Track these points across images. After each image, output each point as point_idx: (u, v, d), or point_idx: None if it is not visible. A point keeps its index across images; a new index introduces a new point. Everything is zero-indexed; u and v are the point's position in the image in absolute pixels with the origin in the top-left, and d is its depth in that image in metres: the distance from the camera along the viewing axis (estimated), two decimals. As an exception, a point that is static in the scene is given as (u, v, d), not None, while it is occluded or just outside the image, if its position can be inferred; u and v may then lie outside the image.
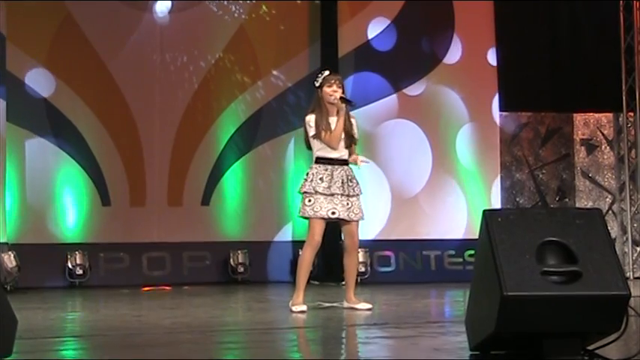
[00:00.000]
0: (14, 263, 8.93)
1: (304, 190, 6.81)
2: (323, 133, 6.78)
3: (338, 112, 6.83)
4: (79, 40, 9.62)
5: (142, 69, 9.83)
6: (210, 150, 9.96)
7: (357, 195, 6.87)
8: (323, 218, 6.75)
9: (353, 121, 6.97)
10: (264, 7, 10.16)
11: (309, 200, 6.77)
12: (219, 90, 10.02)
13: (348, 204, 6.81)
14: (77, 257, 9.40)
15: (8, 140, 9.24)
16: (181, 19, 9.95)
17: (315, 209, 6.74)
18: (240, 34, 10.08)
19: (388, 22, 10.28)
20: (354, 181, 6.89)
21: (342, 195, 6.78)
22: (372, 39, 10.24)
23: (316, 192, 6.76)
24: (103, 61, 9.70)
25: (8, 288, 8.62)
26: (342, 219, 6.79)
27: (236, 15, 10.09)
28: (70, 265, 9.39)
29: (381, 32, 10.25)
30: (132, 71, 9.78)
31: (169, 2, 9.89)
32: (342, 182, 6.80)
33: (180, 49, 9.92)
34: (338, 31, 10.11)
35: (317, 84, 6.89)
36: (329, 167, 6.81)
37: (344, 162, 6.87)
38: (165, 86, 9.86)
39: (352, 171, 6.91)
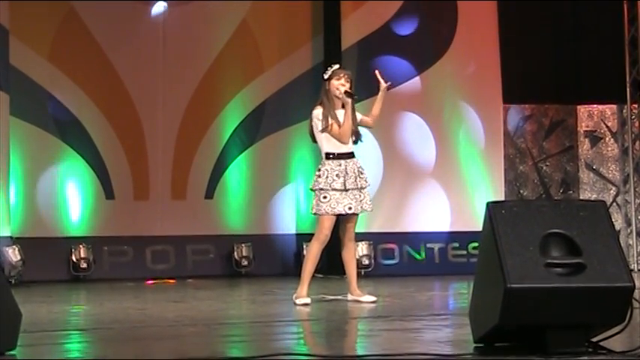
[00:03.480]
0: (18, 257, 8.93)
1: (319, 187, 6.79)
2: (333, 127, 6.78)
3: (344, 107, 6.83)
4: (82, 34, 9.60)
5: (145, 62, 9.81)
6: (214, 143, 9.95)
7: (368, 186, 6.93)
8: (340, 214, 6.77)
9: (358, 115, 6.99)
10: (268, 1, 10.13)
11: (325, 197, 6.76)
12: (222, 83, 10.01)
13: (360, 196, 6.85)
14: (81, 251, 9.40)
15: (12, 134, 9.23)
16: (184, 11, 9.93)
17: (332, 205, 6.76)
18: (243, 27, 10.06)
19: (391, 15, 10.25)
20: (364, 172, 6.94)
21: (355, 189, 6.81)
22: (375, 32, 10.21)
23: (333, 189, 6.76)
24: (106, 54, 9.68)
25: (12, 282, 8.62)
26: (356, 213, 6.81)
27: (239, 7, 10.07)
28: (74, 259, 9.39)
29: (384, 25, 10.22)
30: (135, 64, 9.76)
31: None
32: (355, 176, 6.83)
33: (183, 42, 9.91)
34: (341, 23, 10.09)
35: (325, 76, 6.90)
36: (342, 162, 6.83)
37: (353, 155, 6.88)
38: (169, 79, 9.85)
39: (360, 162, 6.94)
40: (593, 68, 10.51)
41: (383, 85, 7.07)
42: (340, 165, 6.81)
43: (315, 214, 6.84)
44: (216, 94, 9.99)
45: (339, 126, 6.80)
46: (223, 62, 9.99)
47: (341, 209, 6.76)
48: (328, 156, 6.83)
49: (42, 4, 9.40)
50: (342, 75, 6.87)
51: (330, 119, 6.80)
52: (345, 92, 6.81)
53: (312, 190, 6.88)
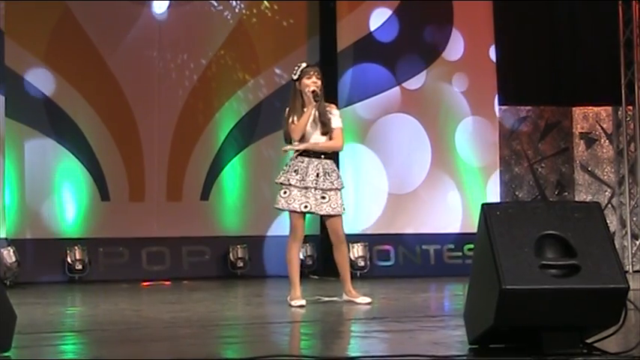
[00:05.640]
0: (13, 258, 8.93)
1: (279, 181, 6.84)
2: (292, 125, 6.78)
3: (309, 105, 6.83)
4: (77, 36, 9.61)
5: (141, 64, 9.82)
6: (210, 145, 9.95)
7: (335, 189, 6.82)
8: (295, 211, 6.76)
9: (334, 111, 6.96)
10: (264, 2, 10.15)
11: (285, 192, 6.79)
12: (218, 85, 10.01)
13: (324, 197, 6.77)
14: (76, 252, 9.39)
15: (7, 136, 9.23)
16: (181, 13, 9.94)
17: (288, 202, 6.76)
18: (240, 30, 10.07)
19: (387, 17, 10.24)
20: (334, 174, 6.84)
21: (315, 189, 6.76)
22: (371, 33, 10.21)
23: (290, 184, 6.77)
24: (102, 56, 9.68)
25: (8, 283, 8.61)
26: (313, 213, 6.78)
27: (236, 10, 10.08)
28: (69, 260, 9.39)
29: (380, 26, 10.21)
30: (131, 66, 9.77)
31: (166, 1, 9.86)
32: (317, 175, 6.76)
33: (179, 44, 9.91)
34: (337, 25, 10.10)
35: (295, 77, 6.88)
36: (305, 159, 6.80)
37: (323, 155, 6.84)
38: (165, 81, 9.86)
39: (333, 164, 6.89)
40: (589, 70, 10.52)
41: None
42: (303, 162, 6.80)
43: (275, 207, 6.89)
44: (212, 96, 10.00)
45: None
46: (219, 63, 10.00)
47: (296, 206, 6.74)
48: (296, 151, 6.86)
49: (37, 5, 9.40)
50: (311, 73, 6.85)
51: (292, 117, 6.81)
52: (313, 92, 6.79)
53: (276, 183, 6.91)
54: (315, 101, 6.77)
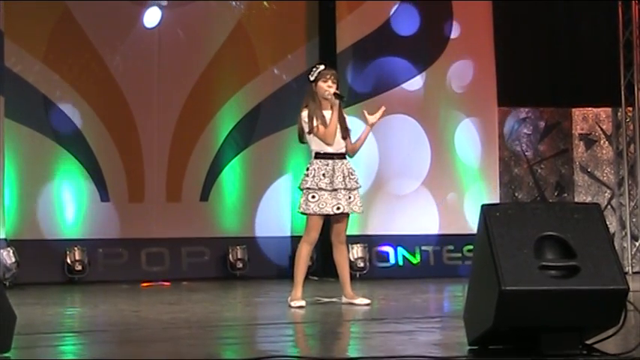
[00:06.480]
0: (13, 259, 8.92)
1: (307, 186, 6.78)
2: (319, 128, 6.77)
3: (332, 107, 6.82)
4: (77, 36, 9.60)
5: (140, 64, 9.81)
6: (209, 145, 9.95)
7: (358, 187, 6.88)
8: (328, 215, 6.75)
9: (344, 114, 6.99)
10: (264, 3, 10.15)
11: (313, 197, 6.74)
12: (217, 85, 10.01)
13: (350, 197, 6.81)
14: (76, 253, 9.39)
15: (6, 136, 9.23)
16: (180, 14, 9.93)
17: (320, 205, 6.73)
18: (239, 30, 10.07)
19: (386, 17, 10.26)
20: (355, 173, 6.88)
21: (344, 189, 6.78)
22: (370, 34, 10.22)
23: (320, 188, 6.74)
24: (101, 56, 9.68)
25: (7, 284, 8.61)
26: (346, 213, 6.79)
27: (235, 11, 10.09)
28: (68, 261, 9.38)
29: (377, 28, 10.23)
30: (130, 67, 9.76)
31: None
32: (344, 176, 6.79)
33: (178, 44, 9.91)
34: (336, 26, 10.10)
35: (312, 78, 6.88)
36: (329, 162, 6.80)
37: (343, 156, 6.87)
38: (164, 82, 9.85)
39: (351, 164, 6.92)
40: (588, 71, 10.52)
41: (370, 121, 7.02)
42: (328, 165, 6.79)
43: (302, 213, 6.83)
44: (212, 96, 9.99)
45: (325, 127, 6.79)
46: (218, 64, 10.00)
47: (329, 209, 6.73)
48: (317, 155, 6.84)
49: (37, 5, 9.40)
50: (328, 76, 6.84)
51: (315, 120, 6.80)
52: (334, 94, 6.80)
53: (300, 188, 6.88)
54: (340, 99, 6.78)
